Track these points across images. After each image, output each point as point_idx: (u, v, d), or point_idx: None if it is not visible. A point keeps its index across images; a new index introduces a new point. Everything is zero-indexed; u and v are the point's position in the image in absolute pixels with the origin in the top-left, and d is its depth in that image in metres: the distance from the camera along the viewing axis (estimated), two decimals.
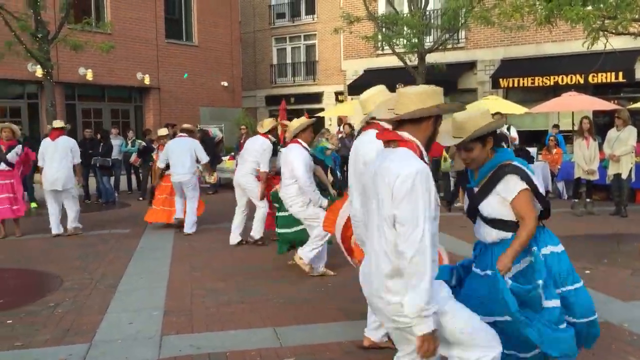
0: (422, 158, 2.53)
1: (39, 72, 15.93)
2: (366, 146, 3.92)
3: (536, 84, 18.28)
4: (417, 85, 12.12)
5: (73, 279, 6.63)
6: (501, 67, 19.60)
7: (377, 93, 4.04)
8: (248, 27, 30.51)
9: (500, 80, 18.78)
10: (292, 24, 29.98)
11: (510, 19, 11.69)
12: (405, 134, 2.57)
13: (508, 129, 11.53)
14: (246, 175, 8.25)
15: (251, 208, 8.53)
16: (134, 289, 6.20)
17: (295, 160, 6.14)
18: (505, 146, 11.15)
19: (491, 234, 3.26)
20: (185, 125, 10.07)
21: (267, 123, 8.53)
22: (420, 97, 2.56)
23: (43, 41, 11.72)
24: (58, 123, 9.87)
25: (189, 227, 9.45)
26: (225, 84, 26.21)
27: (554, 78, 17.91)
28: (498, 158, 3.26)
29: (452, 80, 19.31)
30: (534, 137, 18.36)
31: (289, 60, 30.58)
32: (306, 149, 6.33)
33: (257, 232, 8.37)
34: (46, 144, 9.49)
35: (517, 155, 3.45)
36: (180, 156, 9.37)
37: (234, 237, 8.48)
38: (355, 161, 4.16)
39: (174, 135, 10.85)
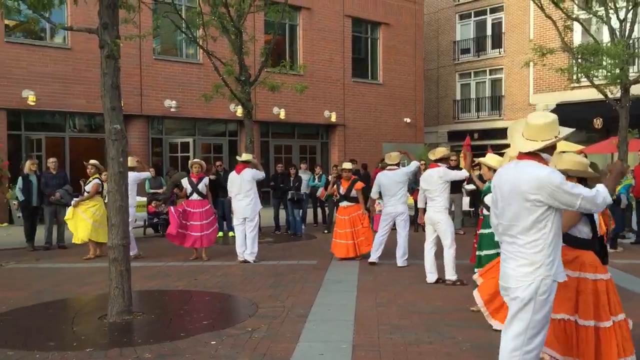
0: None
1: (239, 112, 17.43)
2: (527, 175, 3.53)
3: None
4: (620, 119, 11.09)
5: (267, 307, 6.99)
6: None
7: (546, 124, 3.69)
8: (431, 64, 30.64)
9: None
10: (477, 59, 29.51)
11: None
12: None
13: None
14: (440, 212, 8.25)
15: (439, 245, 8.41)
16: (322, 320, 6.37)
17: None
18: None
19: None
20: (394, 154, 10.07)
21: (439, 151, 8.53)
22: None
23: (245, 84, 12.82)
24: (245, 156, 10.52)
25: (401, 259, 9.59)
26: (408, 120, 26.43)
27: None
28: None
29: None
30: None
31: (472, 95, 30.06)
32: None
33: (450, 273, 8.19)
34: (233, 177, 10.34)
35: None
36: (393, 188, 9.62)
37: (431, 276, 8.35)
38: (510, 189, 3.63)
39: (357, 171, 11.08)
